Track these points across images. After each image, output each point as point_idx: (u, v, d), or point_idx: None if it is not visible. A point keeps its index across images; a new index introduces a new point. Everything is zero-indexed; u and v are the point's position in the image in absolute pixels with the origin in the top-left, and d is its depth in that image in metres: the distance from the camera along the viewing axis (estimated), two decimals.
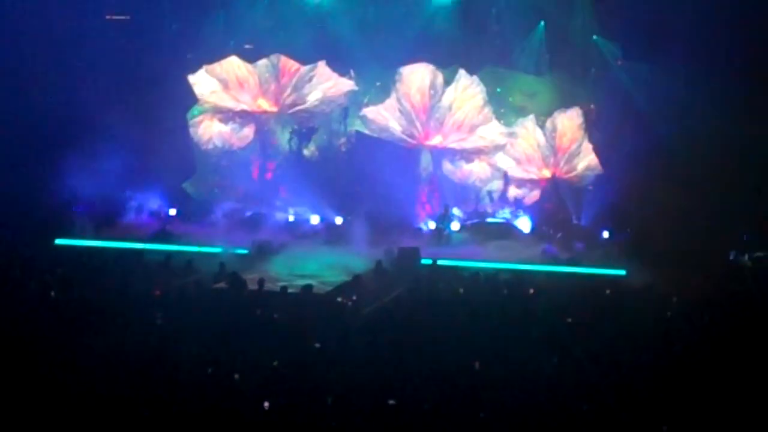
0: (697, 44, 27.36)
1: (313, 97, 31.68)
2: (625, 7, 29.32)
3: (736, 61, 27.28)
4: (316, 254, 25.79)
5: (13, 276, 19.73)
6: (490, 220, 31.04)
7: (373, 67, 31.45)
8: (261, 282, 19.88)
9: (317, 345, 15.13)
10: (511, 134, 31.28)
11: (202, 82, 31.47)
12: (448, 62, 31.26)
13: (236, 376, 13.51)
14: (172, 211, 30.90)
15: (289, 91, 31.73)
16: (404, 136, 31.57)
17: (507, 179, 31.41)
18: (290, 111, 31.87)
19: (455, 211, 30.94)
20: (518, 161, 31.45)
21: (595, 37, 30.96)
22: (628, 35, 29.63)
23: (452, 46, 31.07)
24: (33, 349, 14.10)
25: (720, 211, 26.51)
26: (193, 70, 31.36)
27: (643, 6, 28.74)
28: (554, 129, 31.26)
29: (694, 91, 27.79)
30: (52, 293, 18.31)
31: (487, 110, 31.27)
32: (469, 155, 31.60)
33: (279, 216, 30.67)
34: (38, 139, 28.66)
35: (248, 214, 30.72)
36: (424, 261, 25.16)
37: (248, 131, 31.97)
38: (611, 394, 13.21)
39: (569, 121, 31.16)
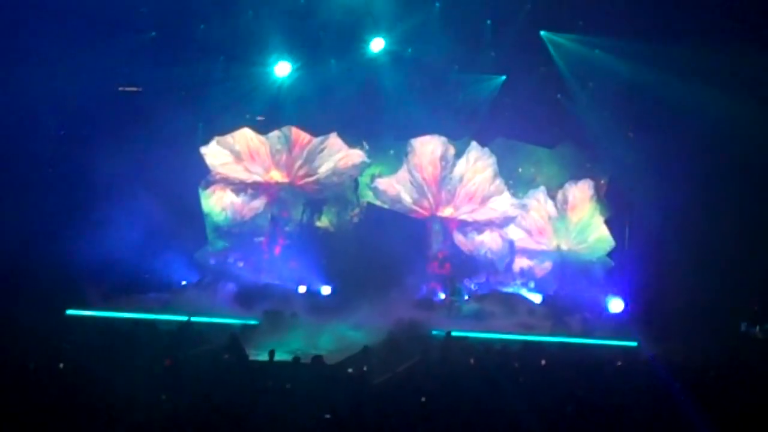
0: (706, 118, 27.44)
1: (325, 168, 31.86)
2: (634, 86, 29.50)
3: (745, 134, 27.33)
4: (326, 325, 25.80)
5: (22, 346, 19.65)
6: (501, 291, 30.84)
7: (385, 138, 31.70)
8: (272, 354, 19.83)
9: (327, 416, 15.02)
10: (522, 206, 31.36)
11: (214, 153, 31.72)
12: (459, 134, 31.45)
13: None
14: (184, 282, 30.85)
15: (300, 162, 31.94)
16: (416, 207, 31.69)
17: (513, 249, 31.41)
18: (301, 182, 32.02)
19: (466, 282, 30.89)
20: (529, 233, 31.50)
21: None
22: (637, 107, 29.72)
23: (464, 118, 31.21)
24: (40, 422, 14.02)
25: (731, 282, 26.43)
26: (206, 142, 31.61)
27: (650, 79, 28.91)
28: (565, 201, 31.34)
29: (703, 164, 27.80)
30: (61, 365, 18.23)
31: (498, 182, 31.45)
32: (480, 226, 31.66)
33: (290, 287, 30.56)
34: (49, 209, 28.72)
35: (259, 284, 30.59)
36: (435, 332, 25.08)
37: (259, 202, 32.11)
38: None
39: (580, 193, 31.24)
